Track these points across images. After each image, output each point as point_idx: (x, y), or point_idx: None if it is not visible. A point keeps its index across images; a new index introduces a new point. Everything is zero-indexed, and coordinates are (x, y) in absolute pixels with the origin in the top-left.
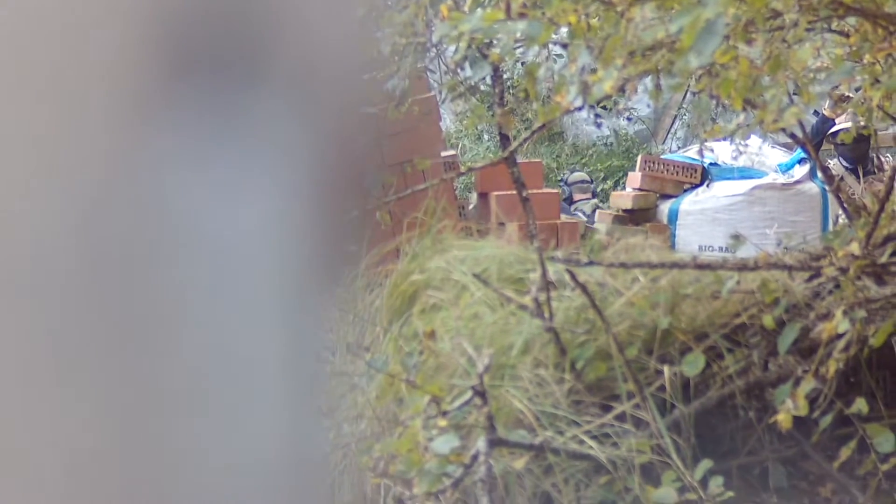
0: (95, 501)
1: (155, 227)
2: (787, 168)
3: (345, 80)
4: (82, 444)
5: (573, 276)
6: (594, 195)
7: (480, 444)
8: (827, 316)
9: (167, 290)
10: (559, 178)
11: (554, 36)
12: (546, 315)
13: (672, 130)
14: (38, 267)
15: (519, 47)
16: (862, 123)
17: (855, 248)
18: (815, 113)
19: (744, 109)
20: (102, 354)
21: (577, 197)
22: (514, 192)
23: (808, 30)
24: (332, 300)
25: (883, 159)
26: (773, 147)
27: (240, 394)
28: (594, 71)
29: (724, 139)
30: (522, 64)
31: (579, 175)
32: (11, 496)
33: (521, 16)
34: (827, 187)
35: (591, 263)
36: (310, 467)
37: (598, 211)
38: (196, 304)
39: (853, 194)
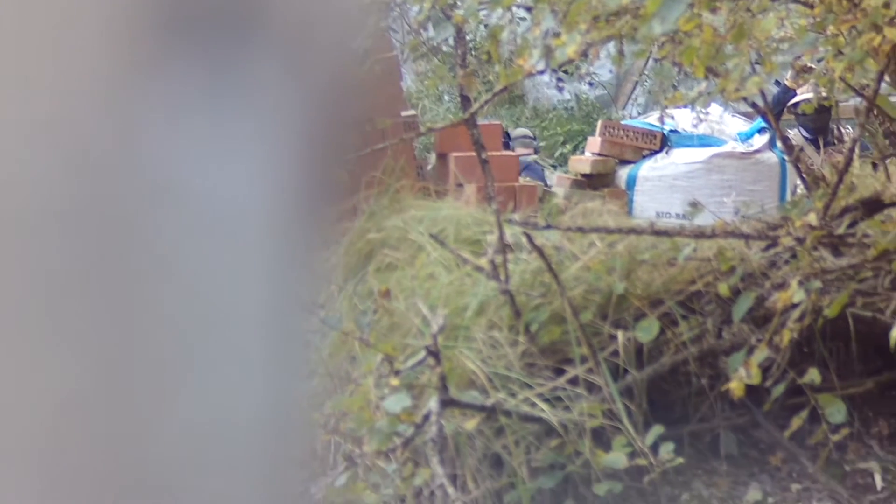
0: (75, 449)
1: (144, 178)
2: (746, 137)
3: (340, 42)
4: (64, 391)
5: (530, 240)
6: (536, 151)
7: (432, 404)
8: (782, 286)
9: (153, 241)
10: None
11: None
12: (502, 277)
13: (633, 97)
14: (29, 213)
15: (482, 9)
16: (823, 94)
17: (812, 218)
18: (777, 83)
19: (706, 77)
20: (87, 303)
21: (519, 152)
22: (474, 153)
23: (772, 0)
24: (317, 258)
25: (843, 131)
26: (733, 116)
27: (222, 349)
28: (557, 35)
29: (685, 107)
30: (486, 26)
31: (522, 131)
32: None
33: None
34: (786, 157)
35: (548, 227)
36: (289, 424)
37: (556, 175)
38: (181, 256)
39: (812, 165)
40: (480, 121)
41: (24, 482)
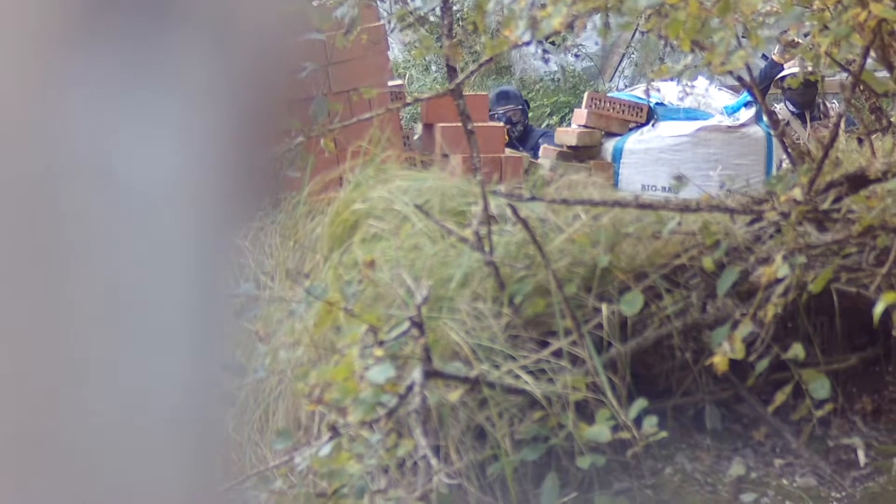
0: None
1: (65, 154)
2: (732, 111)
3: (263, 20)
4: None
5: (514, 211)
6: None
7: (416, 374)
8: (767, 260)
9: (74, 217)
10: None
11: None
12: (486, 249)
13: (619, 69)
14: None
15: None
16: (809, 70)
17: (797, 193)
18: (764, 57)
19: (692, 51)
20: (10, 278)
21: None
22: (460, 124)
23: None
24: (243, 237)
25: (829, 105)
26: (719, 89)
27: (144, 329)
28: (543, 6)
29: (672, 80)
30: None
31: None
32: None
33: None
34: (772, 131)
35: (533, 199)
36: (210, 406)
37: (542, 146)
38: (102, 233)
39: (798, 139)
40: (467, 92)
41: None
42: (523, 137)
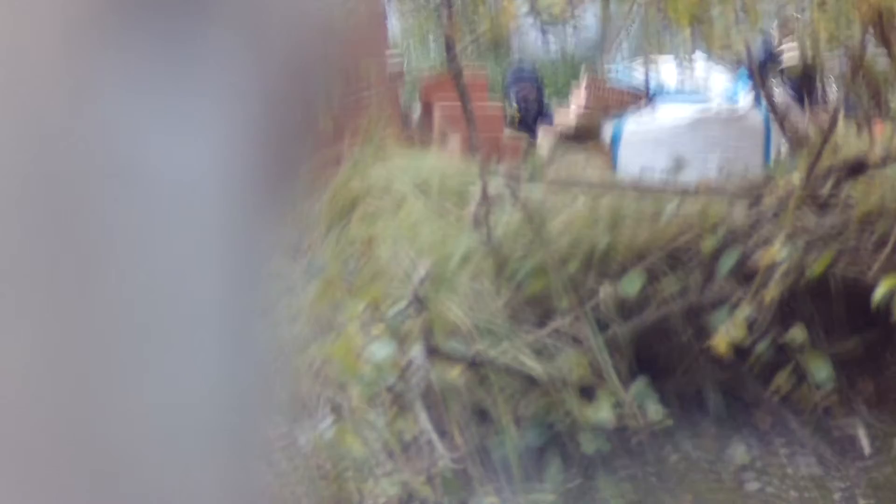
0: (31, 434)
1: (98, 155)
2: (732, 94)
3: (300, 13)
4: (18, 375)
5: (513, 192)
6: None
7: (416, 351)
8: (766, 243)
9: (107, 219)
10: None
11: None
12: (485, 229)
13: (618, 41)
14: None
15: None
16: (809, 54)
17: (796, 178)
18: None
19: (690, 26)
20: (38, 284)
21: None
22: (459, 104)
23: None
24: (278, 241)
25: (828, 90)
26: (719, 73)
27: (179, 330)
28: None
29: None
30: None
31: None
32: None
33: None
34: (771, 116)
35: (532, 180)
36: (247, 412)
37: (541, 127)
38: (136, 235)
39: (797, 124)
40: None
41: None
42: (537, 118)
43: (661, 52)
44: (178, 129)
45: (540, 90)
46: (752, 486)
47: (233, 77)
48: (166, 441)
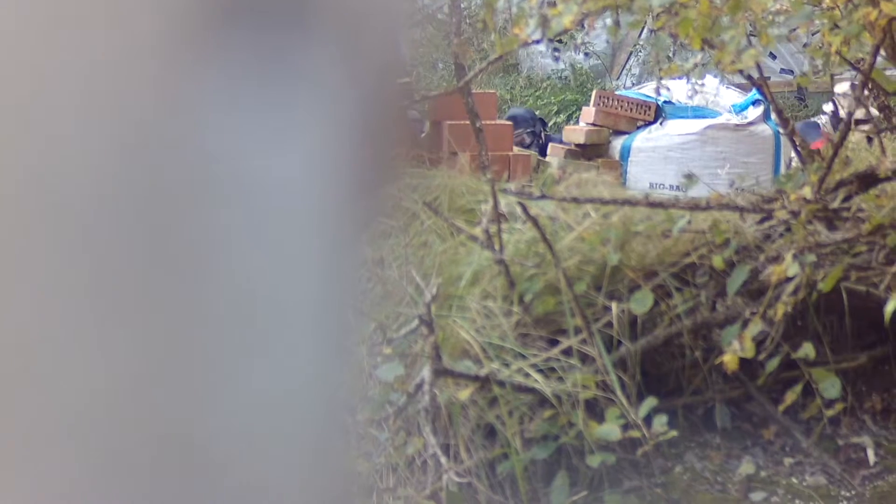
0: (128, 433)
1: (198, 165)
2: (741, 109)
3: (391, 31)
4: (117, 376)
5: (524, 209)
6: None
7: (425, 372)
8: (777, 259)
9: (206, 229)
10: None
11: None
12: (496, 247)
13: (627, 67)
14: (84, 198)
15: None
16: (819, 69)
17: (807, 192)
18: (773, 56)
19: (702, 49)
20: (139, 289)
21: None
22: (468, 122)
23: None
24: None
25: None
26: (728, 88)
27: (274, 337)
28: (553, 4)
29: (681, 78)
30: None
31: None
32: (41, 424)
33: None
34: (781, 130)
35: (542, 197)
36: (336, 412)
37: (550, 144)
38: (233, 244)
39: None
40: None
41: (84, 461)
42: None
43: (671, 74)
44: (275, 142)
45: (536, 133)
46: (758, 496)
47: (328, 91)
48: (263, 439)
